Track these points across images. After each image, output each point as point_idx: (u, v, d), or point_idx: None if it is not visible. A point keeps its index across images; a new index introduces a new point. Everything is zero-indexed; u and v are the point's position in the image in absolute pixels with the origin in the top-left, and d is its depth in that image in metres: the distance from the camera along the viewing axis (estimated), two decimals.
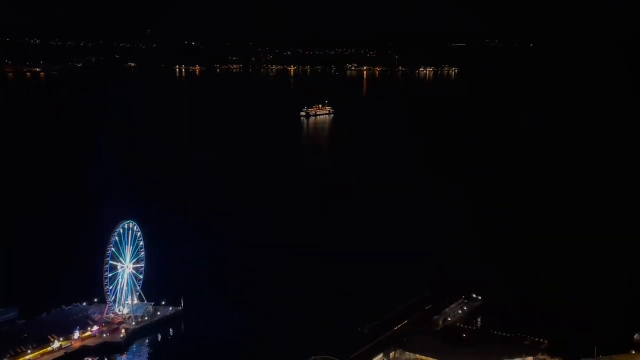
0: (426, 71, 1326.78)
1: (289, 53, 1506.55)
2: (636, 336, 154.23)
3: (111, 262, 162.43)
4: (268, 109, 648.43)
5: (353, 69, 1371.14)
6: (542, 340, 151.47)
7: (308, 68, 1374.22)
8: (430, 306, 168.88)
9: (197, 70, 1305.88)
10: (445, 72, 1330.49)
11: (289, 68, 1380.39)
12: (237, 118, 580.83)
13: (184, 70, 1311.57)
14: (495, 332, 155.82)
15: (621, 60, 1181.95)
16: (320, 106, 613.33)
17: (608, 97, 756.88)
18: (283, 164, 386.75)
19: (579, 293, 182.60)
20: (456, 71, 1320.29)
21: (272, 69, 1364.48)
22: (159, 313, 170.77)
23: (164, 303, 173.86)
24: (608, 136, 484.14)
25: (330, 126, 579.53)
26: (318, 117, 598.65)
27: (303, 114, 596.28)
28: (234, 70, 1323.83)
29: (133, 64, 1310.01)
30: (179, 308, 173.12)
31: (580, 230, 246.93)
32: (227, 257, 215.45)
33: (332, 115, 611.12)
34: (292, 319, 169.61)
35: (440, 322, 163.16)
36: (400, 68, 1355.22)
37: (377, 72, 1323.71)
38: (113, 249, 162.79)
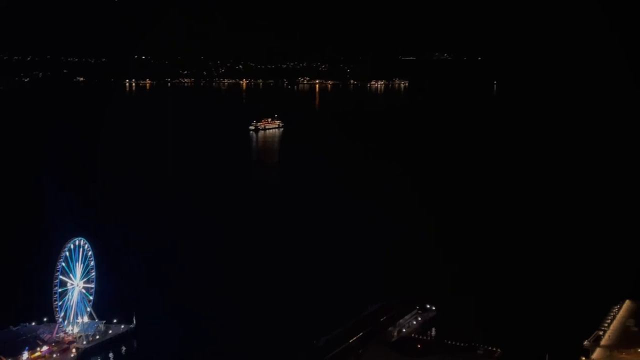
0: (377, 84, 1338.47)
1: (240, 67, 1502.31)
2: (586, 343, 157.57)
3: (61, 276, 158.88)
4: (218, 123, 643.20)
5: (305, 82, 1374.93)
6: (495, 349, 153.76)
7: (260, 81, 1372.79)
8: (384, 317, 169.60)
9: (148, 84, 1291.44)
10: (396, 85, 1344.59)
11: (241, 81, 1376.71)
12: (186, 132, 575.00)
13: (134, 84, 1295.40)
14: (449, 342, 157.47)
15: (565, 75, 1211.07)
16: (269, 120, 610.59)
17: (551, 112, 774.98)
18: (231, 178, 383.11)
19: (531, 301, 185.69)
20: (406, 84, 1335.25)
21: (224, 83, 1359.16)
22: (110, 331, 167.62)
23: (115, 321, 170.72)
24: (551, 144, 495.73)
25: (279, 140, 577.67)
26: (267, 130, 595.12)
27: (252, 127, 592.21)
28: (186, 84, 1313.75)
29: (82, 79, 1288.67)
30: (131, 326, 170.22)
31: (531, 238, 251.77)
32: (178, 273, 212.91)
33: (282, 129, 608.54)
34: (246, 334, 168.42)
35: (395, 333, 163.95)
36: (352, 81, 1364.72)
37: (329, 86, 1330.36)
38: (63, 264, 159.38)
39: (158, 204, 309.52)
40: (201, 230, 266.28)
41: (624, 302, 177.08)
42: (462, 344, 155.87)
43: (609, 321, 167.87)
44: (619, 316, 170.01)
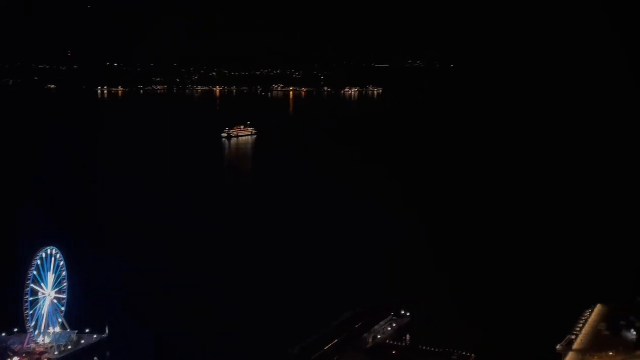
0: (351, 91, 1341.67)
1: (214, 74, 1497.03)
2: (558, 347, 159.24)
3: (32, 285, 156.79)
4: (190, 130, 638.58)
5: (279, 89, 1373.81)
6: (469, 355, 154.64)
7: (234, 89, 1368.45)
8: (359, 324, 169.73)
9: (120, 92, 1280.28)
10: (370, 92, 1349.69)
11: (215, 89, 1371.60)
12: (158, 140, 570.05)
13: (106, 91, 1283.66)
14: (424, 348, 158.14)
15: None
16: (242, 127, 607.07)
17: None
18: (202, 186, 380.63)
19: (504, 306, 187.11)
20: (380, 91, 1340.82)
21: (198, 90, 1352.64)
22: (83, 341, 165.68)
23: (88, 331, 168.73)
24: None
25: (252, 147, 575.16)
26: (240, 138, 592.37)
27: (224, 135, 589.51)
28: (158, 91, 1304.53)
29: (53, 86, 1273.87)
30: (104, 335, 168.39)
31: (504, 244, 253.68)
32: (151, 282, 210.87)
33: (255, 137, 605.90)
34: (220, 342, 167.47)
35: (370, 340, 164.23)
36: (326, 88, 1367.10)
37: (303, 93, 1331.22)
38: (34, 273, 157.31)
39: (131, 213, 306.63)
40: (174, 237, 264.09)
41: (595, 307, 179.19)
42: (436, 350, 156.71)
43: (581, 325, 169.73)
44: (590, 320, 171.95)
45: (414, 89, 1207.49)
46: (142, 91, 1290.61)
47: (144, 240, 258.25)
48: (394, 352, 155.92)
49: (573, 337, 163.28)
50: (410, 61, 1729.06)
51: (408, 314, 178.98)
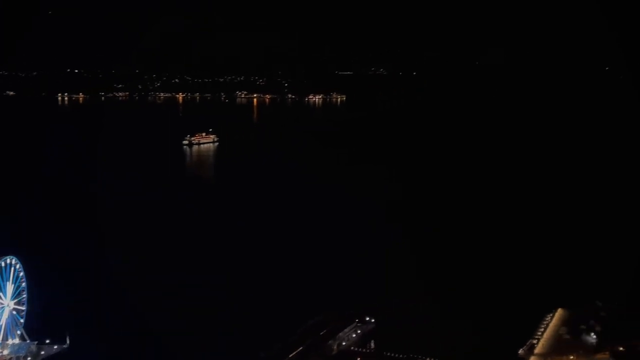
0: (315, 98, 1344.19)
1: (177, 80, 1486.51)
2: (520, 351, 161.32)
3: None
4: (151, 137, 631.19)
5: (243, 96, 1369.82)
6: None
7: (197, 95, 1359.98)
8: (324, 331, 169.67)
9: (81, 98, 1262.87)
10: (334, 99, 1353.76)
11: (177, 95, 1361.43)
12: (119, 146, 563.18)
13: (66, 98, 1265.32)
14: (388, 354, 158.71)
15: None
16: (204, 134, 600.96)
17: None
18: (161, 193, 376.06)
19: (467, 311, 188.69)
20: (344, 98, 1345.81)
21: (160, 97, 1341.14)
22: (42, 352, 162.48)
23: (48, 341, 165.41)
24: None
25: (214, 154, 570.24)
26: (201, 145, 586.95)
27: (186, 142, 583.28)
28: (120, 98, 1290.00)
29: (12, 93, 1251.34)
30: (64, 346, 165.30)
31: (465, 250, 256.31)
32: (111, 291, 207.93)
33: (217, 144, 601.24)
34: (185, 350, 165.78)
35: (335, 347, 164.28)
36: (290, 95, 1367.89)
37: (267, 100, 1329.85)
38: None
39: (91, 221, 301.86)
40: (134, 246, 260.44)
41: (556, 311, 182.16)
42: (400, 356, 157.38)
43: (542, 330, 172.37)
44: (551, 325, 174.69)
45: (377, 96, 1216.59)
46: (103, 97, 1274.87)
47: (105, 249, 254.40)
48: (358, 359, 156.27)
49: (534, 341, 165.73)
50: (373, 68, 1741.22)
51: (372, 320, 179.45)
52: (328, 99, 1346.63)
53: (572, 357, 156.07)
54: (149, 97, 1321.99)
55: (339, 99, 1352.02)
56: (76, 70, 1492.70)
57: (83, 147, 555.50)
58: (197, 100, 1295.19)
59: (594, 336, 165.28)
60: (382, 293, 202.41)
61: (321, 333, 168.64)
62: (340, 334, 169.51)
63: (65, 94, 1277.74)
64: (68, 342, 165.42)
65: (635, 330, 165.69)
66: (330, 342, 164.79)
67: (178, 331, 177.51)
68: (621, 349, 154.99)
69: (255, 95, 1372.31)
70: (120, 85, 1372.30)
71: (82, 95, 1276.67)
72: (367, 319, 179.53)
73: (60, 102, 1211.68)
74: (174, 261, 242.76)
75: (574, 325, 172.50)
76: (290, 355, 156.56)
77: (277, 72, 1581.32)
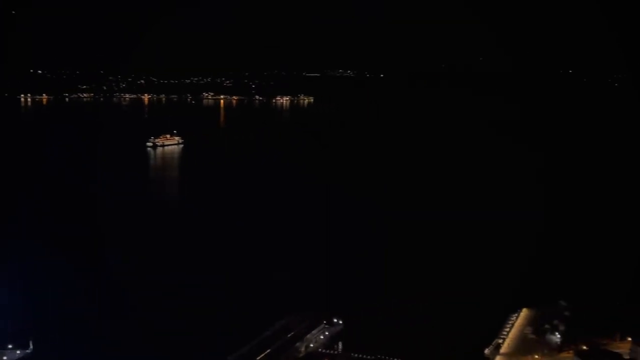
0: (282, 100, 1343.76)
1: (142, 81, 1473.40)
2: (486, 351, 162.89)
3: None
4: (115, 139, 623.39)
5: (209, 97, 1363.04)
6: None
7: (163, 97, 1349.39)
8: (291, 333, 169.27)
9: (44, 100, 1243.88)
10: (301, 101, 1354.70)
11: (143, 97, 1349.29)
12: (82, 149, 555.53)
13: (29, 99, 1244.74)
14: (356, 355, 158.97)
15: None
16: (168, 136, 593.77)
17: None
18: (124, 196, 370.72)
19: (433, 311, 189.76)
20: (311, 100, 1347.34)
21: (125, 98, 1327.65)
22: (5, 357, 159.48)
23: (10, 346, 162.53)
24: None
25: (179, 156, 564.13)
26: (165, 147, 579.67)
27: (149, 144, 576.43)
28: (85, 99, 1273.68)
29: None
30: (27, 351, 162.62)
31: (432, 249, 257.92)
32: (76, 294, 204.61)
33: (182, 146, 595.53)
34: (150, 355, 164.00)
35: (303, 349, 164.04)
36: (257, 97, 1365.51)
37: (234, 101, 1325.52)
38: None
39: (55, 225, 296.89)
40: (98, 249, 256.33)
41: (521, 311, 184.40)
42: (368, 357, 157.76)
43: (507, 329, 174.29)
44: (517, 324, 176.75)
45: (345, 98, 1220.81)
46: (67, 99, 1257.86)
47: (69, 252, 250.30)
48: None
49: (500, 341, 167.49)
50: (340, 70, 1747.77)
51: (340, 322, 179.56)
52: (295, 101, 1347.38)
53: (536, 357, 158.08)
54: (114, 99, 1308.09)
55: (306, 101, 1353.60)
56: (39, 71, 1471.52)
57: (43, 149, 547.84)
58: (163, 102, 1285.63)
59: (558, 335, 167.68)
60: (350, 295, 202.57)
61: (288, 335, 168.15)
62: (308, 335, 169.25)
63: (28, 95, 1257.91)
64: (31, 347, 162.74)
65: (598, 329, 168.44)
66: (297, 344, 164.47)
67: (144, 336, 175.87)
68: (585, 347, 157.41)
69: (222, 96, 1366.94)
70: (84, 86, 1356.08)
71: (46, 97, 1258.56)
72: (335, 320, 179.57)
73: (23, 104, 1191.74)
74: (151, 264, 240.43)
75: (539, 324, 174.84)
76: (257, 358, 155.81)
77: (244, 73, 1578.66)
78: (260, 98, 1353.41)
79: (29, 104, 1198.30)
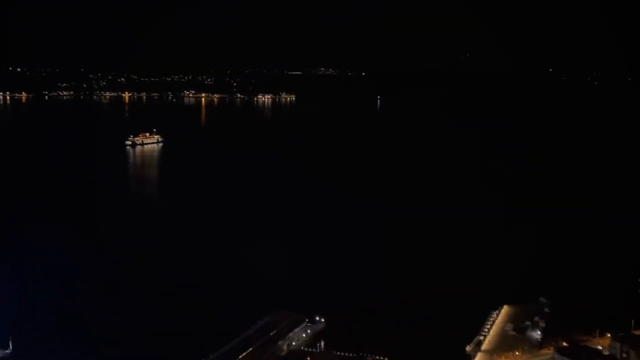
0: (264, 98, 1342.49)
1: (123, 79, 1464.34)
2: (468, 348, 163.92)
3: None
4: (94, 137, 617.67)
5: (191, 95, 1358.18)
6: (382, 358, 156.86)
7: (143, 95, 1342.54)
8: (274, 331, 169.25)
9: (24, 98, 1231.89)
10: (283, 99, 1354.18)
11: (124, 95, 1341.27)
12: (61, 147, 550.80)
13: (8, 97, 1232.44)
14: (338, 353, 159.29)
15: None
16: (147, 134, 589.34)
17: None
18: (102, 194, 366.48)
19: (415, 309, 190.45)
20: (293, 98, 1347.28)
21: (106, 96, 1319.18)
22: None
23: None
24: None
25: (158, 155, 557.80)
26: (145, 145, 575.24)
27: (129, 142, 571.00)
28: (64, 97, 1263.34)
29: None
30: (7, 351, 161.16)
31: (413, 246, 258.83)
32: (57, 294, 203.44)
33: (161, 144, 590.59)
34: (132, 354, 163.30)
35: (285, 347, 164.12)
36: (239, 95, 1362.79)
37: (216, 99, 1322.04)
38: None
39: (30, 223, 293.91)
40: (79, 247, 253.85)
41: (502, 308, 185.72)
42: (351, 355, 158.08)
43: (488, 326, 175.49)
44: (497, 321, 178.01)
45: (328, 97, 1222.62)
46: (47, 97, 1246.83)
47: (47, 250, 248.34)
48: (308, 359, 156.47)
49: (481, 337, 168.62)
50: (322, 69, 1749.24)
51: (322, 320, 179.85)
52: (277, 99, 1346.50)
53: (517, 353, 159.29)
54: (95, 97, 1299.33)
55: (288, 99, 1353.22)
56: (18, 69, 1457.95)
57: (22, 148, 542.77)
58: (144, 100, 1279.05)
59: (539, 332, 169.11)
60: (332, 293, 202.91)
61: (271, 334, 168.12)
62: (290, 334, 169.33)
63: (7, 93, 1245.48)
64: (11, 347, 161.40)
65: (578, 326, 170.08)
66: (280, 342, 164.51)
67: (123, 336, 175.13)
68: (564, 343, 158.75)
69: (203, 94, 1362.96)
70: (64, 84, 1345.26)
71: (25, 94, 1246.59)
72: (317, 318, 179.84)
73: (1, 102, 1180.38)
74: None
75: (519, 321, 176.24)
76: (240, 357, 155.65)
77: (225, 71, 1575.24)
78: (242, 96, 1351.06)
79: (8, 102, 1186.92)
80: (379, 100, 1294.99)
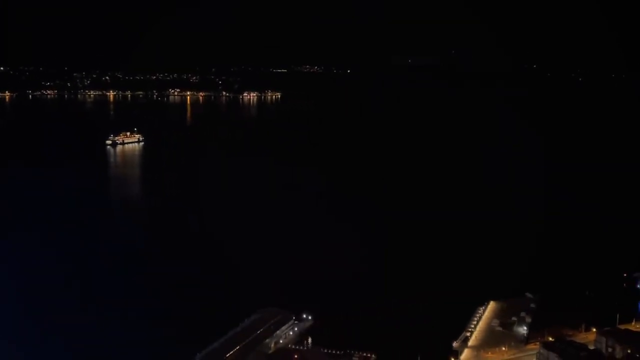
0: (250, 96, 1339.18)
1: (107, 78, 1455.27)
2: (455, 344, 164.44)
3: None
4: (76, 137, 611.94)
5: (176, 94, 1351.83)
6: (369, 354, 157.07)
7: (128, 93, 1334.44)
8: (261, 329, 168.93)
9: (7, 97, 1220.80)
10: (269, 97, 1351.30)
11: (108, 93, 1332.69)
12: (42, 146, 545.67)
13: None
14: (326, 350, 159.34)
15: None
16: (128, 134, 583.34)
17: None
18: (80, 194, 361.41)
19: (402, 306, 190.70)
20: (279, 96, 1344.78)
21: (90, 95, 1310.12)
22: None
23: None
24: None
25: (138, 154, 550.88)
26: (126, 145, 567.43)
27: (109, 142, 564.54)
28: (49, 96, 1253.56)
29: None
30: None
31: (399, 243, 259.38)
32: (36, 291, 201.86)
33: (142, 143, 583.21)
34: (116, 353, 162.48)
35: (272, 345, 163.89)
36: (224, 93, 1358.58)
37: (201, 97, 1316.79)
38: None
39: (17, 226, 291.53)
40: (58, 248, 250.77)
41: (488, 304, 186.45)
42: (338, 352, 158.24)
43: (475, 322, 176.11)
44: (484, 317, 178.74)
45: (314, 94, 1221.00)
46: (30, 96, 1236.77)
47: (26, 251, 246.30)
48: (295, 357, 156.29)
49: (468, 333, 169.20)
50: (307, 66, 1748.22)
51: (310, 317, 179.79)
52: (263, 97, 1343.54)
53: (504, 348, 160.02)
54: (79, 96, 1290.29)
55: (273, 97, 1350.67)
56: (1, 68, 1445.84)
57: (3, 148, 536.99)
58: (129, 99, 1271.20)
59: (525, 327, 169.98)
60: (320, 291, 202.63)
61: (258, 331, 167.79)
62: (278, 332, 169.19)
63: None
64: None
65: (564, 321, 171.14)
66: (267, 340, 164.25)
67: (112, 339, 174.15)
68: (551, 338, 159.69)
69: (188, 93, 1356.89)
70: (48, 83, 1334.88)
71: (9, 93, 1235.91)
72: (304, 316, 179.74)
73: None
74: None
75: (506, 317, 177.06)
76: (227, 355, 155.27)
77: (210, 69, 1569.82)
78: (228, 94, 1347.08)
79: None
80: (370, 98, 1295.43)
